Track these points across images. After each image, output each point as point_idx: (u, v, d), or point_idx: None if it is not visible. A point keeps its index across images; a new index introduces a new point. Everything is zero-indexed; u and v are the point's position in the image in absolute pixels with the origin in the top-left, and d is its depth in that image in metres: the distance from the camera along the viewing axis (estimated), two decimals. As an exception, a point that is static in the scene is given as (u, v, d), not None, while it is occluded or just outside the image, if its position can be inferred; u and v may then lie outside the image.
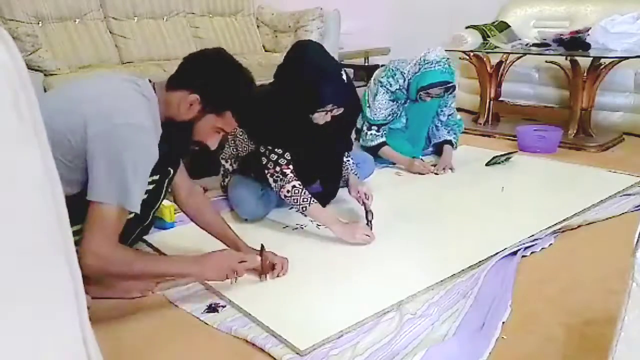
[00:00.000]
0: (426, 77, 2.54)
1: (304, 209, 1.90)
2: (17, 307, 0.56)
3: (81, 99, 1.36)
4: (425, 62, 2.57)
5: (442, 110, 2.85)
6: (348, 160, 2.22)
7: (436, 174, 2.65)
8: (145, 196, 1.42)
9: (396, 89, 2.67)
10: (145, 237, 1.85)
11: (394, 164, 2.79)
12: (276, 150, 1.93)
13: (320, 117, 1.89)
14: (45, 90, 2.77)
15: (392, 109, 2.73)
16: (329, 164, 2.15)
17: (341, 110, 1.90)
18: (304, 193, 1.90)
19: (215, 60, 1.49)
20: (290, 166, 1.93)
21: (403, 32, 4.74)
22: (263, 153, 1.96)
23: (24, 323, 0.57)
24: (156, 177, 1.48)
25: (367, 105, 2.76)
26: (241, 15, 4.16)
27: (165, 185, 1.56)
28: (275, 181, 1.93)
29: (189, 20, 3.88)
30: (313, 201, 1.90)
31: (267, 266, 1.61)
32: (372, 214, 1.96)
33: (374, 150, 2.75)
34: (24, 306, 0.56)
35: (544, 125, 3.23)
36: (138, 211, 1.34)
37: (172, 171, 1.55)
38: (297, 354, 1.27)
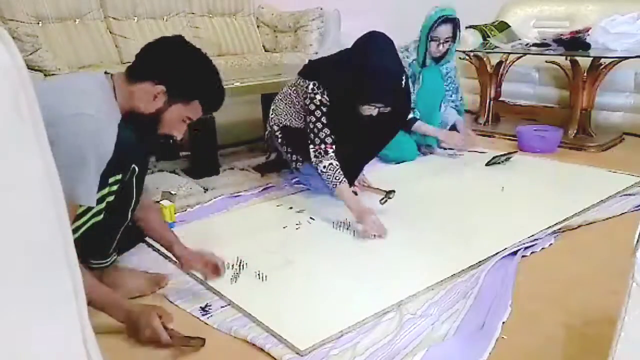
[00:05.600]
0: (429, 19, 2.76)
1: (335, 185, 2.03)
2: (16, 307, 0.56)
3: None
4: (425, 17, 2.79)
5: (450, 93, 2.96)
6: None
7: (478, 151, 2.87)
8: (111, 198, 1.36)
9: (413, 60, 2.87)
10: (146, 238, 1.84)
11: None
12: (324, 130, 2.07)
13: (367, 110, 2.04)
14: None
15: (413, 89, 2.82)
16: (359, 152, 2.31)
17: (388, 109, 2.04)
18: (339, 172, 2.04)
19: (178, 49, 1.42)
20: (334, 146, 2.07)
21: (403, 32, 4.73)
22: (312, 130, 2.09)
23: (24, 323, 0.57)
24: (119, 177, 1.35)
25: None
26: (241, 15, 4.16)
27: (135, 183, 1.43)
28: (316, 156, 2.08)
29: (189, 20, 3.88)
30: (344, 180, 2.04)
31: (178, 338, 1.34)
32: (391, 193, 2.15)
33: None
34: (24, 306, 0.56)
35: (544, 125, 3.23)
36: (87, 204, 1.25)
37: (137, 169, 1.40)
38: (297, 354, 1.27)
